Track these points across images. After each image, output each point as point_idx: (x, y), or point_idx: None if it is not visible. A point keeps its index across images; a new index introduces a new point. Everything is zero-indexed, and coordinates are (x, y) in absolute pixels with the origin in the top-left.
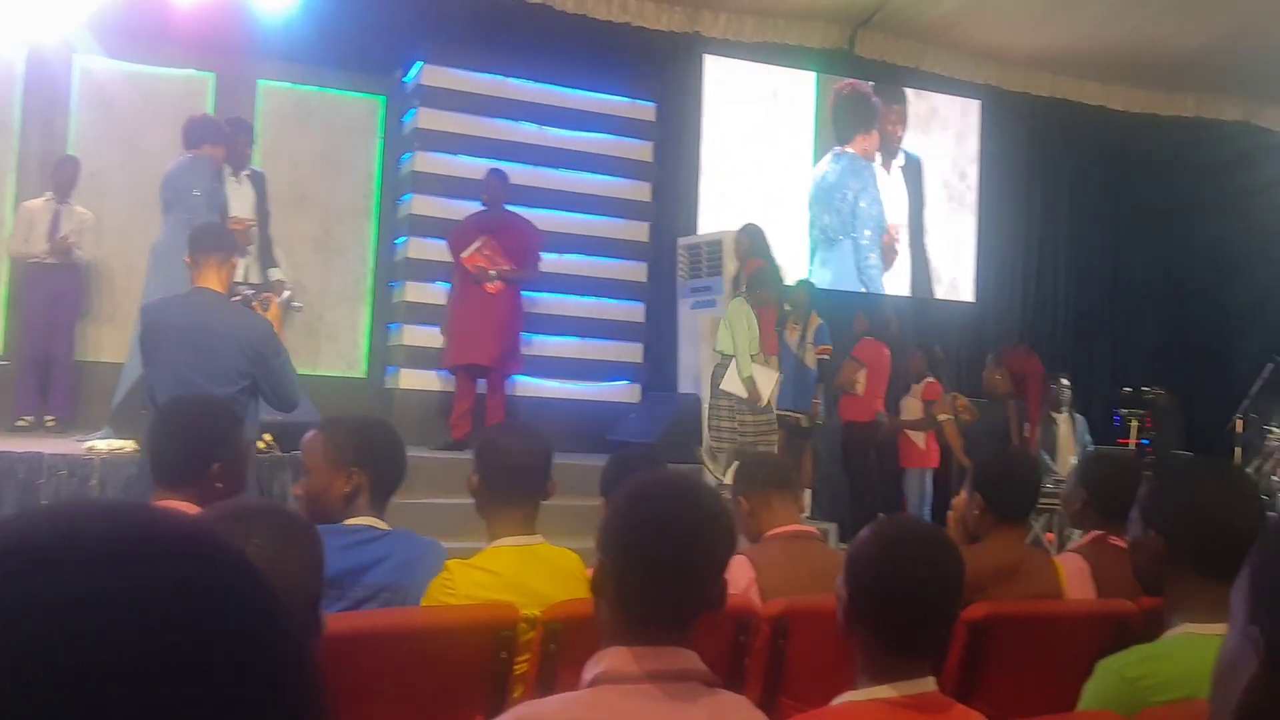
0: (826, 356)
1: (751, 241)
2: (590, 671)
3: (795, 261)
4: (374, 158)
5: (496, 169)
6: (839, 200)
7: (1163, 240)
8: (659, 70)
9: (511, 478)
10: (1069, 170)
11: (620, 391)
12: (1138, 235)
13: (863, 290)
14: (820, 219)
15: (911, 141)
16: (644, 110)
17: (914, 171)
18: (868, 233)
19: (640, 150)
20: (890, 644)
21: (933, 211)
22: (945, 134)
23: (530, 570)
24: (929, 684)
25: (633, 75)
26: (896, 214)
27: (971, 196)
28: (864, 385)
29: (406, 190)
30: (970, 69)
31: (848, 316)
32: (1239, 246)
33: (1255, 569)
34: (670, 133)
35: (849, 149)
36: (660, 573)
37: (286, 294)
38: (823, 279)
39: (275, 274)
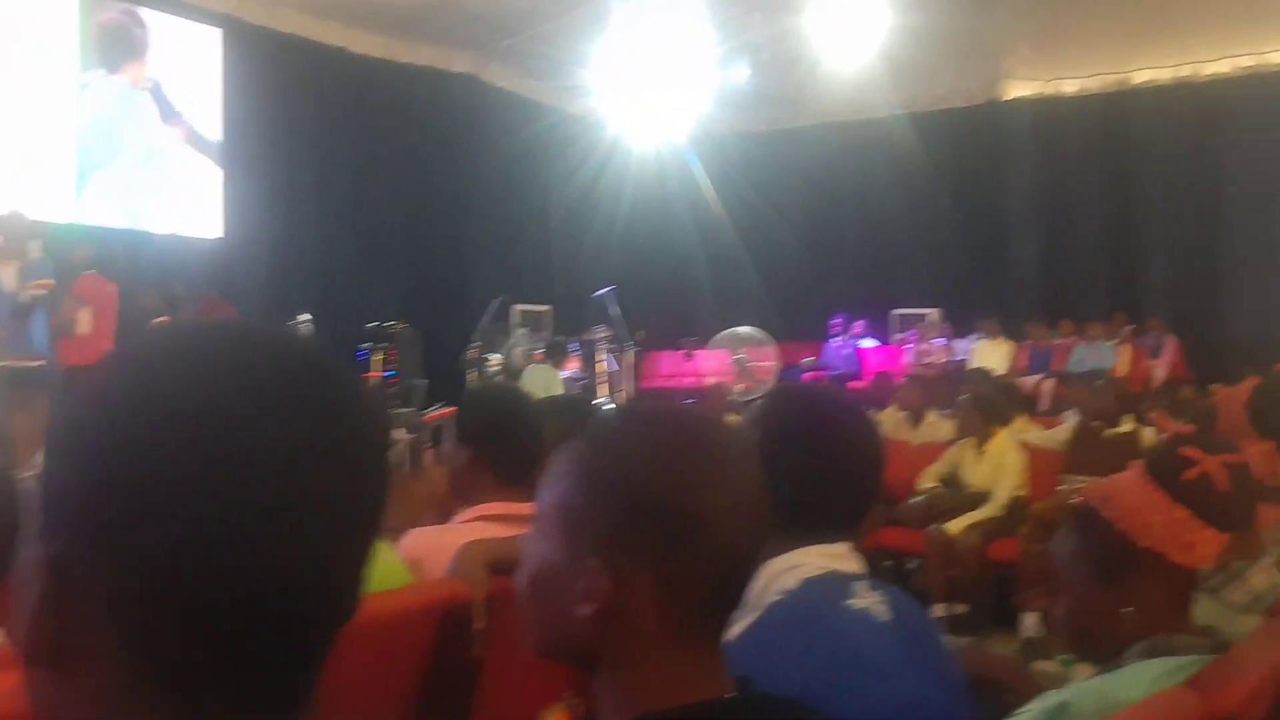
0: (43, 292)
1: None
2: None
3: (58, 193)
4: None
5: None
6: (106, 130)
7: (405, 185)
8: None
9: None
10: (315, 111)
11: None
12: (382, 179)
13: (130, 227)
14: (88, 148)
15: (158, 69)
16: None
17: (164, 101)
18: (136, 164)
19: None
20: None
21: (181, 144)
22: (187, 63)
23: None
24: None
25: None
26: (157, 144)
27: (217, 130)
28: (88, 325)
29: None
30: None
31: (110, 255)
32: (473, 193)
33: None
34: None
35: (117, 76)
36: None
37: None
38: (92, 212)
39: None
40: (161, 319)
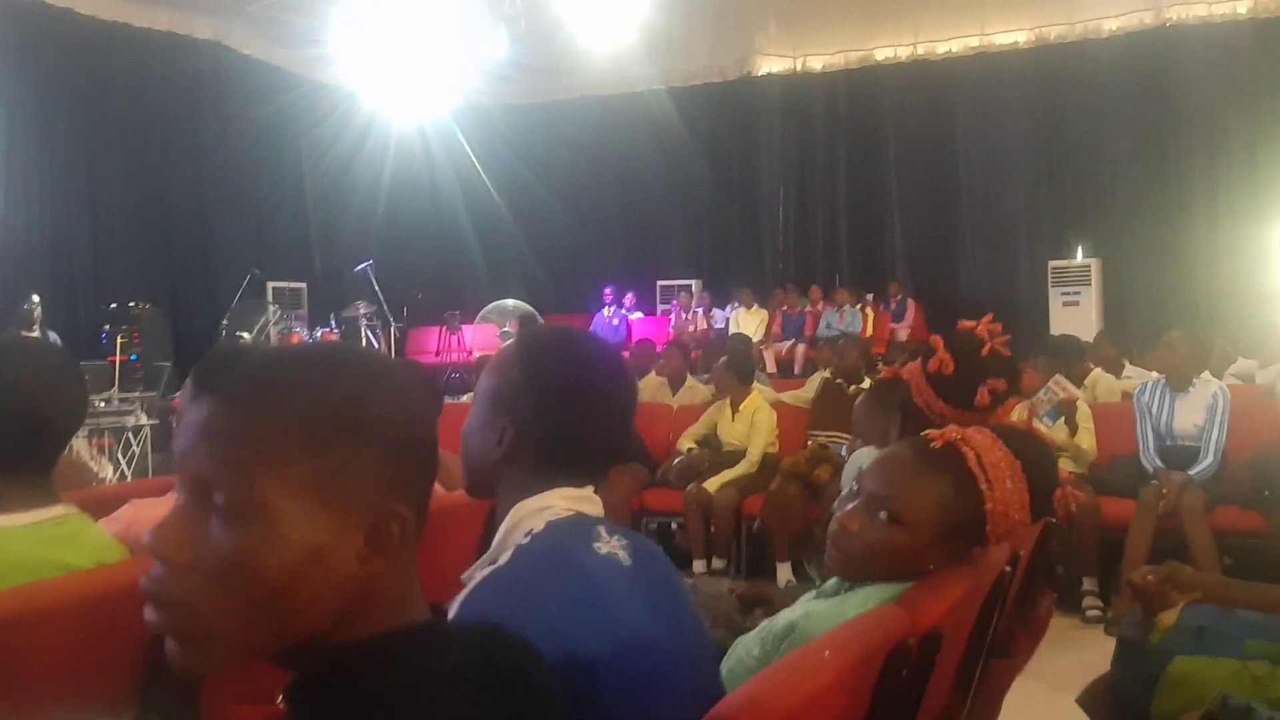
0: None
1: None
2: None
3: None
4: None
5: None
6: None
7: (145, 159)
8: None
9: None
10: (39, 78)
11: None
12: (119, 152)
13: None
14: None
15: None
16: None
17: None
18: None
19: None
20: None
21: None
22: None
23: None
24: None
25: None
26: None
27: None
28: None
29: None
30: None
31: None
32: (220, 166)
33: None
34: None
35: None
36: None
37: None
38: None
39: None
40: None
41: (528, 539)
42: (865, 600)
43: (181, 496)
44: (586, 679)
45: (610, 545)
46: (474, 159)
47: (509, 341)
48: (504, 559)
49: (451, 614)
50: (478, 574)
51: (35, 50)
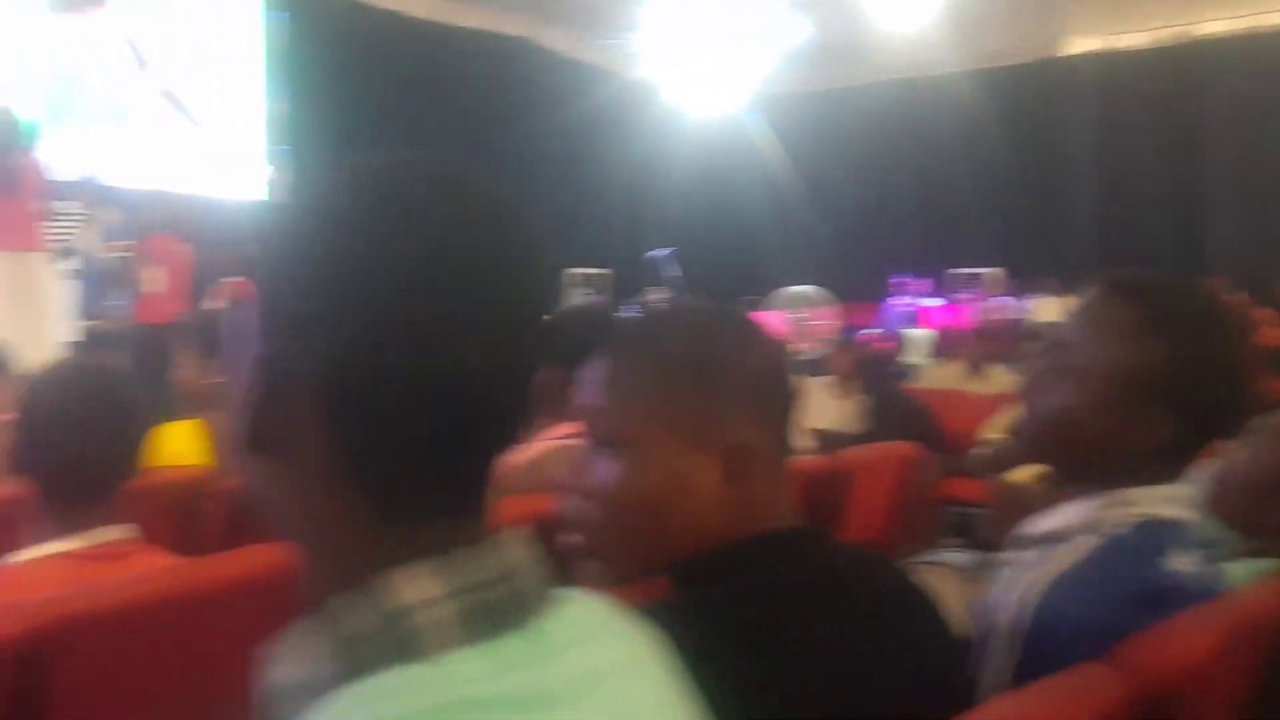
0: (123, 254)
1: None
2: None
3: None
4: None
5: None
6: (71, 80)
7: (458, 151)
8: None
9: None
10: (365, 76)
11: None
12: (434, 145)
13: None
14: (58, 100)
15: (183, 23)
16: None
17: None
18: (109, 116)
19: None
20: (64, 491)
21: (212, 101)
22: (227, 24)
23: None
24: (115, 531)
25: None
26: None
27: (258, 91)
28: (161, 284)
29: None
30: None
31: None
32: (528, 160)
33: (260, 288)
34: None
35: (82, 16)
36: None
37: None
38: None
39: None
40: (234, 279)
41: (1115, 532)
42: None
43: (588, 440)
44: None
45: (1186, 562)
46: (770, 145)
47: (1123, 310)
48: (1093, 543)
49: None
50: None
51: (363, 50)
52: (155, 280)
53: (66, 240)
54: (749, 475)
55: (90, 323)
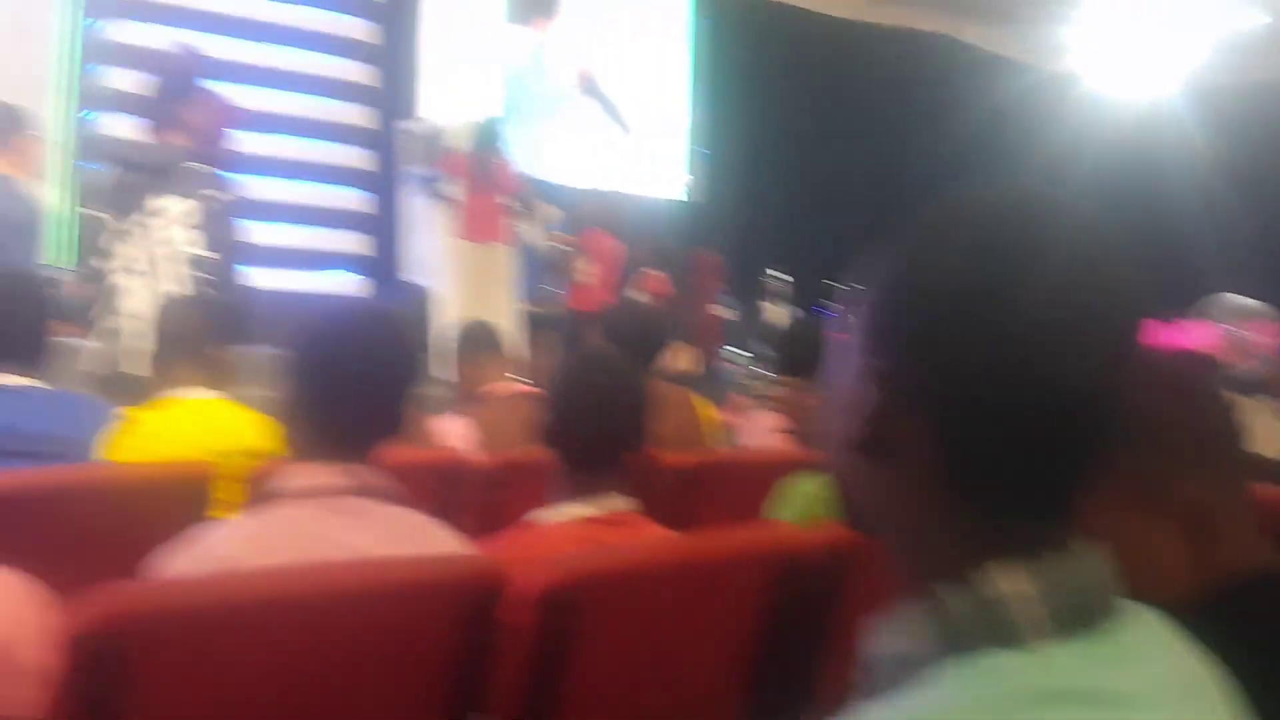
0: (562, 246)
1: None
2: (272, 489)
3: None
4: (63, 23)
5: (184, 44)
6: (522, 85)
7: (870, 148)
8: None
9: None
10: (781, 73)
11: (342, 281)
12: (847, 141)
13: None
14: (513, 104)
15: (615, 30)
16: None
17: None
18: (549, 119)
19: (365, 29)
20: (582, 462)
21: (639, 104)
22: (650, 26)
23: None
24: (620, 502)
25: None
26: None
27: (683, 93)
28: (592, 275)
29: (99, 61)
30: None
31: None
32: (940, 155)
33: (874, 303)
34: (398, 11)
35: (531, 29)
36: (338, 388)
37: None
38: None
39: None
40: (652, 272)
41: None
42: None
43: None
44: None
45: None
46: (1204, 141)
47: None
48: None
49: None
50: None
51: (780, 48)
52: (587, 272)
53: (519, 232)
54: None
55: (529, 307)
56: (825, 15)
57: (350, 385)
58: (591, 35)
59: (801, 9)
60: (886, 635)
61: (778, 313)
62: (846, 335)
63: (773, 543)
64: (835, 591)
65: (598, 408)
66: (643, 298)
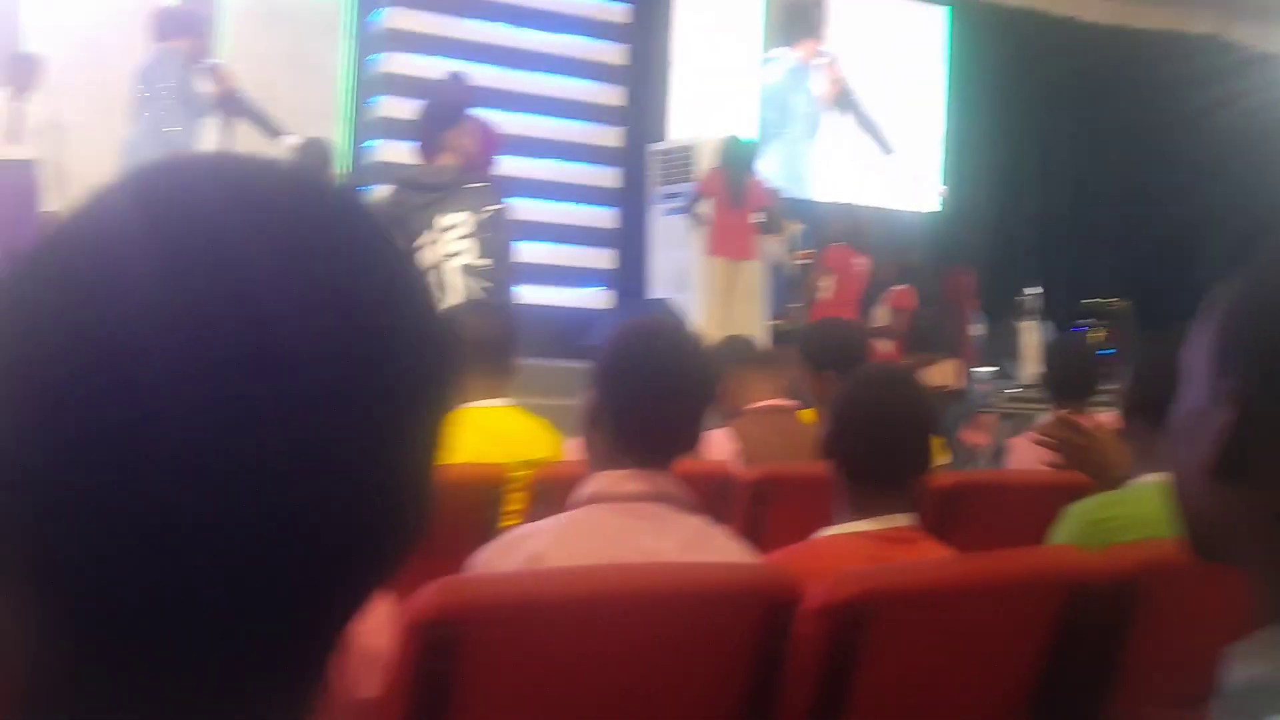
0: (804, 261)
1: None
2: (579, 494)
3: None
4: (342, 58)
5: (455, 73)
6: (781, 104)
7: (1129, 154)
8: None
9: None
10: (1038, 82)
11: (592, 297)
12: (1105, 148)
13: (813, 197)
14: (770, 122)
15: (873, 48)
16: (617, 11)
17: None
18: (808, 137)
19: (614, 53)
20: (867, 479)
21: (894, 119)
22: (907, 42)
23: (504, 430)
24: (903, 519)
25: None
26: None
27: (937, 106)
28: (831, 292)
29: (376, 92)
30: None
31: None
32: (1201, 161)
33: (1223, 324)
34: (644, 34)
35: (794, 50)
36: (646, 399)
37: None
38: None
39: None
40: (900, 288)
41: None
42: None
43: None
44: None
45: None
46: None
47: None
48: None
49: None
50: None
51: (1037, 57)
52: (827, 289)
53: (766, 249)
54: None
55: (773, 322)
56: (1082, 21)
57: (657, 396)
58: (850, 51)
59: (1058, 17)
60: (1243, 661)
61: (1032, 330)
62: (1191, 357)
63: (1062, 566)
64: (1126, 623)
65: (884, 424)
66: (889, 314)
